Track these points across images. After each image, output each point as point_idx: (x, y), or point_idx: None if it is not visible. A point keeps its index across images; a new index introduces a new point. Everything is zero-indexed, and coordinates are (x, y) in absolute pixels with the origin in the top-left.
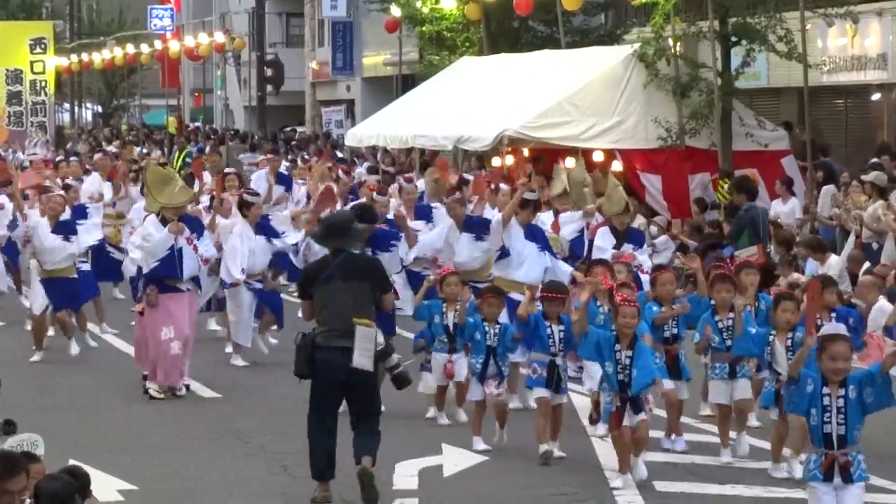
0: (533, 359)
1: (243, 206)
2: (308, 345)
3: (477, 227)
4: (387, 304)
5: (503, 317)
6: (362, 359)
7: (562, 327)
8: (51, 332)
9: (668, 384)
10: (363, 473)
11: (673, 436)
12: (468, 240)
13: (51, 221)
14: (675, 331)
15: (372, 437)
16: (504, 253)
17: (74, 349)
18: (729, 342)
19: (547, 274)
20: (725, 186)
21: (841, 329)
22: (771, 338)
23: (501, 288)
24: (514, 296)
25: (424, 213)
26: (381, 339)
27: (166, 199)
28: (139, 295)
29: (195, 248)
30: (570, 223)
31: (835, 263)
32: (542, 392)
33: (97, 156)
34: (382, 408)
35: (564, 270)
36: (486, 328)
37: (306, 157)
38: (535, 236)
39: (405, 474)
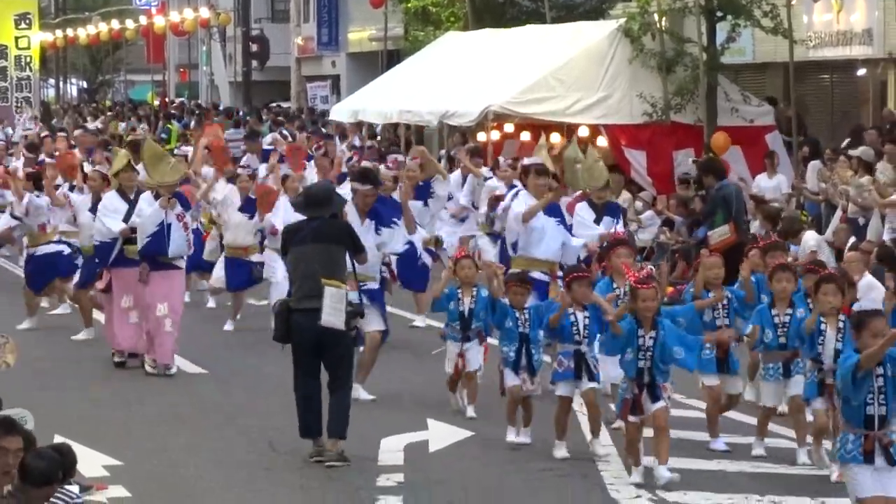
0: (558, 350)
1: (284, 180)
2: (284, 310)
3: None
4: (361, 261)
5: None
6: (331, 318)
7: (586, 314)
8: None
9: (712, 380)
10: (330, 459)
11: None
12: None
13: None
14: (726, 321)
15: (345, 399)
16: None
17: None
18: (783, 339)
19: (563, 250)
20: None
21: (878, 305)
22: (823, 326)
23: (524, 272)
24: (537, 275)
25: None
26: (353, 299)
27: (159, 177)
28: (99, 272)
29: (185, 226)
30: (562, 205)
31: (810, 238)
32: (566, 390)
33: (77, 132)
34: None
35: (576, 247)
36: (517, 314)
37: (286, 132)
38: (554, 211)
39: (390, 450)
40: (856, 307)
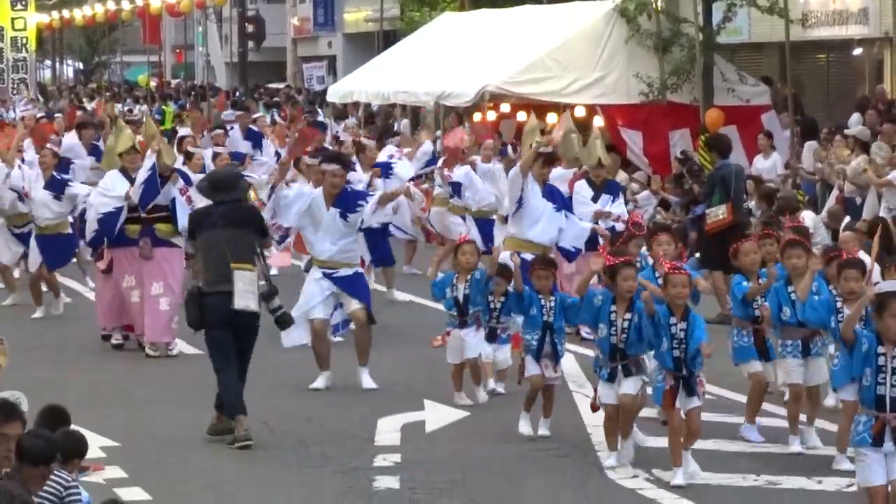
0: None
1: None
2: (195, 295)
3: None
4: (267, 245)
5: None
6: (243, 301)
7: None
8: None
9: (755, 366)
10: (238, 438)
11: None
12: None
13: (44, 176)
14: (766, 303)
15: (241, 381)
16: (518, 206)
17: (60, 308)
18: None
19: (562, 235)
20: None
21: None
22: (839, 305)
23: (547, 254)
24: (527, 256)
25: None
26: (263, 281)
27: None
28: (100, 250)
29: (189, 199)
30: (562, 181)
31: (806, 218)
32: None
33: (77, 113)
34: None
35: (583, 228)
36: (542, 301)
37: (280, 114)
38: (553, 196)
39: (387, 429)
40: (879, 288)
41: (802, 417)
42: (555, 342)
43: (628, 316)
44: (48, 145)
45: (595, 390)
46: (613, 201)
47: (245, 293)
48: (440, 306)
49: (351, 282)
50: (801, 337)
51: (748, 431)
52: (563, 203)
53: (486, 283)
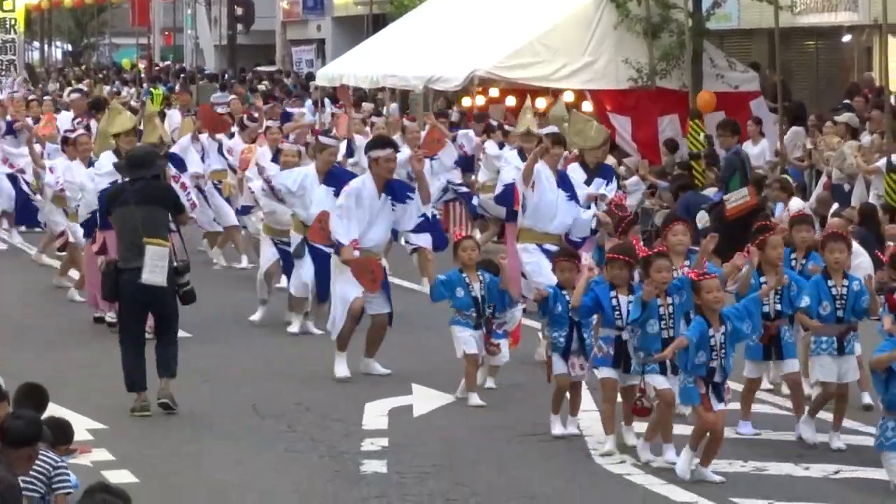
0: (599, 334)
1: (316, 150)
2: (111, 270)
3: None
4: (183, 221)
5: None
6: (152, 275)
7: (631, 298)
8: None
9: (751, 371)
10: (162, 397)
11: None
12: (326, 194)
13: (84, 162)
14: (777, 306)
15: (172, 346)
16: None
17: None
18: (841, 312)
19: (574, 224)
20: (700, 135)
21: (865, 271)
22: None
23: (568, 248)
24: (550, 247)
25: None
26: (183, 257)
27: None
28: (93, 234)
29: (183, 186)
30: None
31: (794, 205)
32: (608, 372)
33: (74, 95)
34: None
35: (585, 219)
36: (567, 298)
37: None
38: (565, 184)
39: (375, 414)
40: None
41: (764, 396)
42: (583, 337)
43: (669, 300)
44: (80, 126)
45: (642, 390)
46: (607, 185)
47: (154, 268)
48: (426, 291)
49: (385, 274)
50: (837, 334)
51: (743, 427)
52: (573, 192)
53: (497, 292)
